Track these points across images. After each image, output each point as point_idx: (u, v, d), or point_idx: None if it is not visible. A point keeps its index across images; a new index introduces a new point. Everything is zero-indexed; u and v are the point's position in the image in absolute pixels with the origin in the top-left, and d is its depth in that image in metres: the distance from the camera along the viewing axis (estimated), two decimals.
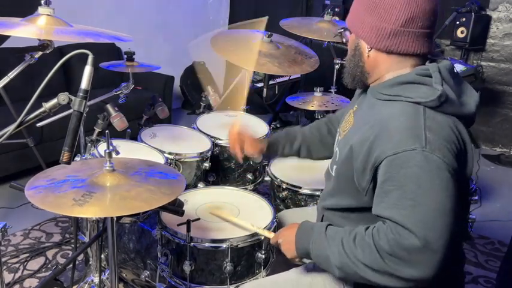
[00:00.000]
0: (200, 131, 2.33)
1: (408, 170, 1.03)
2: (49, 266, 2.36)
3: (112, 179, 1.22)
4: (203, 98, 2.43)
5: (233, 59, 2.05)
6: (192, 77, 5.36)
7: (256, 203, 1.78)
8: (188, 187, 1.97)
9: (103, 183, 1.21)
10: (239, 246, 1.51)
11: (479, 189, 3.04)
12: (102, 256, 1.83)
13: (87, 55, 1.10)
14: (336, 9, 4.52)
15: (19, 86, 2.84)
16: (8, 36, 2.60)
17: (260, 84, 4.32)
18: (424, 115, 1.09)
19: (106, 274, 1.82)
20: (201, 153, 2.11)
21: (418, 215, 1.01)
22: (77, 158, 1.75)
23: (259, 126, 2.50)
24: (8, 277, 2.24)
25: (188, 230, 1.47)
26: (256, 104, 4.34)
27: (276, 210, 1.76)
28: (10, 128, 1.18)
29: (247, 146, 1.63)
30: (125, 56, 2.14)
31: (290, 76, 4.38)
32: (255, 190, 2.30)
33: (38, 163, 2.97)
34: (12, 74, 1.31)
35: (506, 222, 3.06)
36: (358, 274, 1.07)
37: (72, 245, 2.34)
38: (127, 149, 1.92)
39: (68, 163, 1.10)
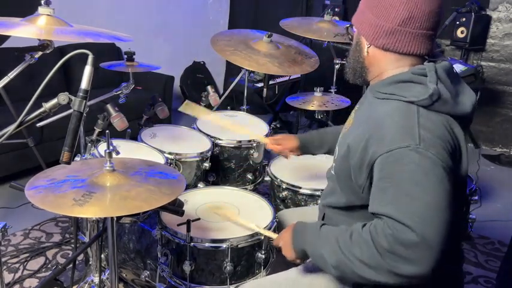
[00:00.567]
0: (200, 131, 2.33)
1: (403, 167, 1.04)
2: (49, 266, 2.36)
3: (112, 179, 1.22)
4: (203, 98, 2.43)
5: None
6: (192, 77, 5.36)
7: (256, 203, 1.78)
8: (188, 187, 1.97)
9: (103, 183, 1.21)
10: (239, 246, 1.51)
11: (479, 189, 3.04)
12: (102, 256, 1.83)
13: (87, 55, 1.11)
14: (336, 9, 4.52)
15: (19, 86, 2.85)
16: (8, 36, 2.60)
17: (260, 84, 4.32)
18: (417, 113, 1.10)
19: (106, 274, 1.82)
20: (201, 153, 2.11)
21: (415, 210, 1.01)
22: (77, 158, 1.75)
23: (259, 126, 2.50)
24: (8, 277, 2.24)
25: (188, 230, 1.47)
26: (256, 104, 4.34)
27: (276, 210, 1.76)
28: (10, 128, 1.18)
29: (284, 142, 1.75)
30: (125, 56, 2.15)
31: (290, 76, 4.39)
32: (255, 190, 2.30)
33: (38, 163, 2.97)
34: (12, 74, 1.31)
35: (506, 222, 3.06)
36: (355, 272, 1.07)
37: (72, 245, 2.34)
38: (127, 149, 1.92)
39: (68, 163, 1.10)
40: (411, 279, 1.02)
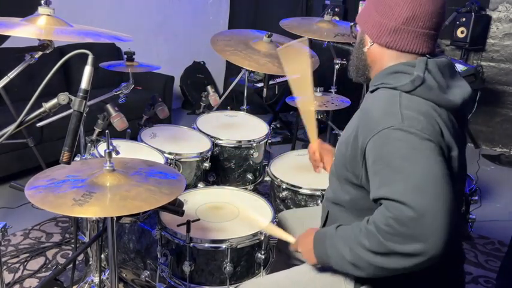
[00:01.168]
0: (200, 131, 2.33)
1: (390, 146, 1.05)
2: (49, 266, 2.36)
3: (112, 179, 1.22)
4: (203, 98, 2.43)
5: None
6: (192, 77, 5.36)
7: (256, 203, 1.78)
8: (188, 187, 1.97)
9: (103, 183, 1.21)
10: (239, 246, 1.51)
11: (479, 189, 3.03)
12: (102, 256, 1.83)
13: (87, 55, 1.11)
14: (336, 9, 4.52)
15: (19, 86, 2.84)
16: (8, 36, 2.60)
17: (260, 84, 4.32)
18: (399, 97, 1.12)
19: (106, 274, 1.82)
20: (201, 153, 2.11)
21: (407, 185, 1.01)
22: (77, 158, 1.75)
23: (259, 126, 2.50)
24: (8, 277, 2.24)
25: (188, 230, 1.47)
26: (256, 104, 4.34)
27: (276, 210, 1.76)
28: (10, 128, 1.18)
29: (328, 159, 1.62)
30: (125, 56, 2.14)
31: None
32: (255, 190, 2.30)
33: (38, 163, 2.97)
34: (12, 74, 1.31)
35: (506, 222, 3.06)
36: (371, 264, 1.06)
37: (72, 245, 2.34)
38: (127, 149, 1.92)
39: (68, 163, 1.10)
40: (424, 256, 0.99)
